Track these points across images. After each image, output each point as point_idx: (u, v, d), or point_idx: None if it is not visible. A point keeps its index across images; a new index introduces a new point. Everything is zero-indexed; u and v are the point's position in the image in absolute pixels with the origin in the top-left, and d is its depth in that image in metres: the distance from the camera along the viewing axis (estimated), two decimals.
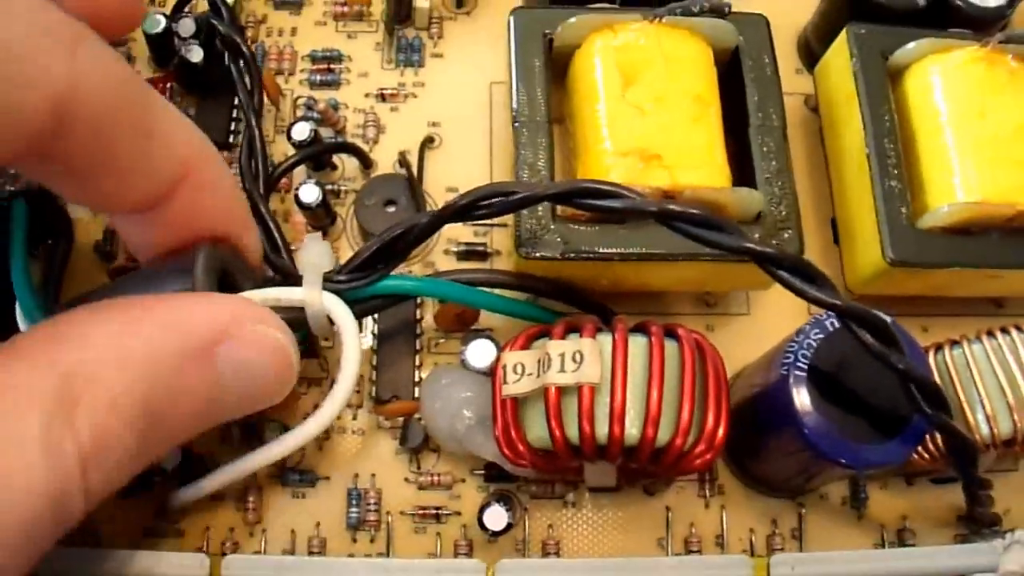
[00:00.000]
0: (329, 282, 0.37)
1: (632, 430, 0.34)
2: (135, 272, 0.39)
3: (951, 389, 0.38)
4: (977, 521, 0.40)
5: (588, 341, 0.35)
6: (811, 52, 0.48)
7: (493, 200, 0.36)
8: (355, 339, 0.36)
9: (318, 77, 0.47)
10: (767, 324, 0.44)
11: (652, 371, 0.35)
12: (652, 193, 0.38)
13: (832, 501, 0.42)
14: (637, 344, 0.35)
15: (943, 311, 0.45)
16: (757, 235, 0.39)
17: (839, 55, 0.43)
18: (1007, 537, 0.40)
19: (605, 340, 0.35)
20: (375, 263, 0.37)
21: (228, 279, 0.37)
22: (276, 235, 0.39)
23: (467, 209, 0.36)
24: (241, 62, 0.43)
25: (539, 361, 0.35)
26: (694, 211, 0.33)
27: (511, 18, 0.41)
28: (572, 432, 0.35)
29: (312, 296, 0.36)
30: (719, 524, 0.41)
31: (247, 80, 0.43)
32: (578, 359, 0.35)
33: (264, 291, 0.37)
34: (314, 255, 0.37)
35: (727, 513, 0.41)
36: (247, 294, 0.36)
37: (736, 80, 0.42)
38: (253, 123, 0.41)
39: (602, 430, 0.34)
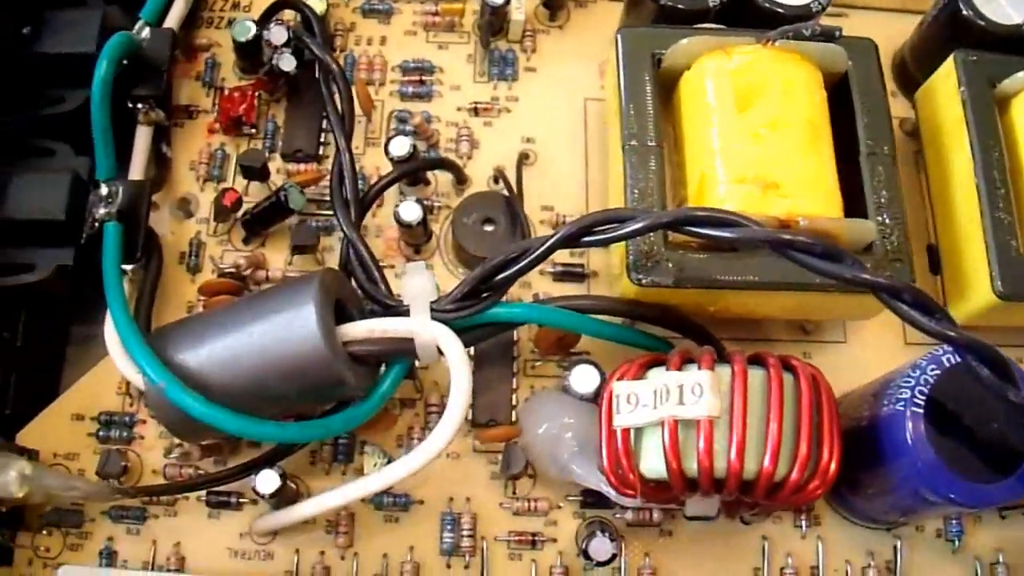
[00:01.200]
0: (436, 311, 0.36)
1: (752, 464, 0.34)
2: (250, 296, 0.38)
3: None
4: None
5: (707, 373, 0.34)
6: (908, 75, 0.47)
7: (607, 227, 0.35)
8: (465, 371, 0.36)
9: (409, 89, 0.46)
10: (864, 353, 0.43)
11: (771, 405, 0.34)
12: (767, 221, 0.37)
13: (927, 533, 0.42)
14: (755, 377, 0.35)
15: None
16: (868, 265, 0.38)
17: (945, 81, 0.43)
18: None
19: (724, 372, 0.35)
20: (482, 291, 0.36)
21: (341, 307, 0.36)
22: (371, 265, 0.38)
23: (580, 235, 0.35)
24: (332, 81, 0.42)
25: (655, 392, 0.35)
26: (813, 241, 0.33)
27: (618, 37, 0.41)
28: (690, 465, 0.34)
29: (421, 327, 0.36)
30: (815, 555, 0.41)
31: (337, 101, 0.41)
32: (698, 392, 0.34)
33: (373, 322, 0.36)
34: (419, 284, 0.36)
35: (823, 544, 0.41)
36: (358, 324, 0.36)
37: (844, 106, 0.41)
38: (343, 147, 0.40)
39: (721, 464, 0.34)
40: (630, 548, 0.40)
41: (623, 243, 0.37)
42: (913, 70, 0.47)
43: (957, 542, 0.41)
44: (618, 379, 0.36)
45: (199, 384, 0.35)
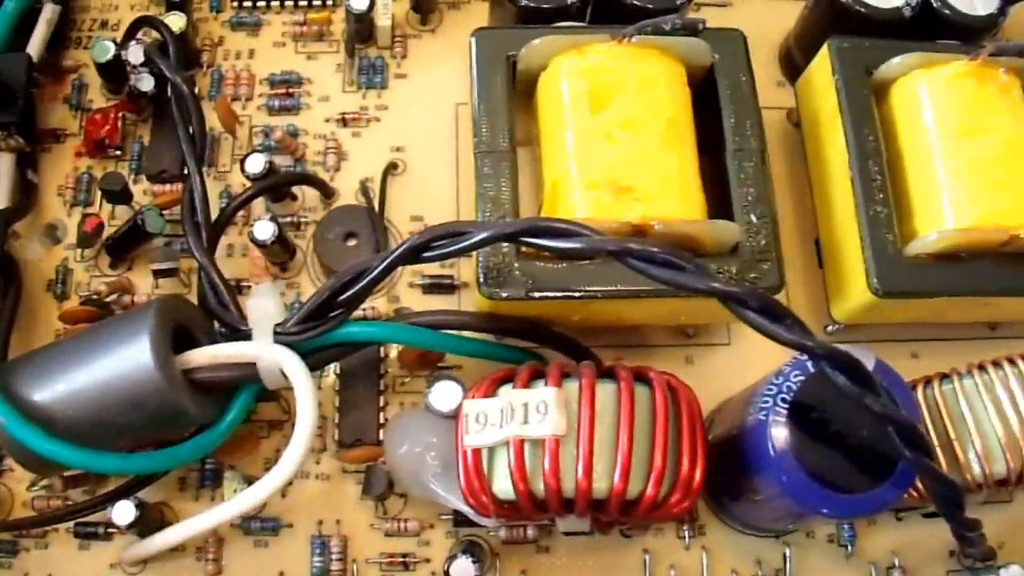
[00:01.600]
0: (280, 334, 0.35)
1: (600, 483, 0.33)
2: (93, 326, 0.38)
3: (941, 426, 0.36)
4: (970, 556, 0.38)
5: (553, 390, 0.33)
6: (793, 64, 0.46)
7: (445, 241, 0.34)
8: (309, 394, 0.35)
9: (277, 102, 0.45)
10: (749, 354, 0.42)
11: (621, 420, 0.33)
12: (620, 228, 0.36)
13: (818, 539, 0.40)
14: (605, 391, 0.34)
15: (934, 336, 0.43)
16: (734, 268, 0.37)
17: (821, 70, 0.41)
18: (1001, 573, 0.38)
19: (572, 388, 0.33)
20: (327, 310, 0.35)
21: (185, 333, 0.36)
22: (222, 288, 0.37)
23: (418, 251, 0.34)
24: (183, 102, 0.41)
25: (502, 411, 0.34)
26: (654, 249, 0.32)
27: (472, 40, 0.39)
28: (538, 487, 0.33)
29: (263, 351, 0.35)
30: (700, 566, 0.39)
31: (191, 126, 0.40)
32: (543, 409, 0.33)
33: (214, 348, 0.35)
34: (263, 306, 0.35)
35: (708, 554, 0.40)
36: (200, 350, 0.35)
37: (711, 101, 0.40)
38: (193, 170, 0.39)
39: (569, 484, 0.33)
40: (505, 567, 0.39)
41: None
42: (798, 59, 0.45)
43: (850, 547, 0.40)
44: (470, 397, 0.35)
45: (44, 418, 0.35)
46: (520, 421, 0.33)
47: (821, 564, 0.40)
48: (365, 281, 0.35)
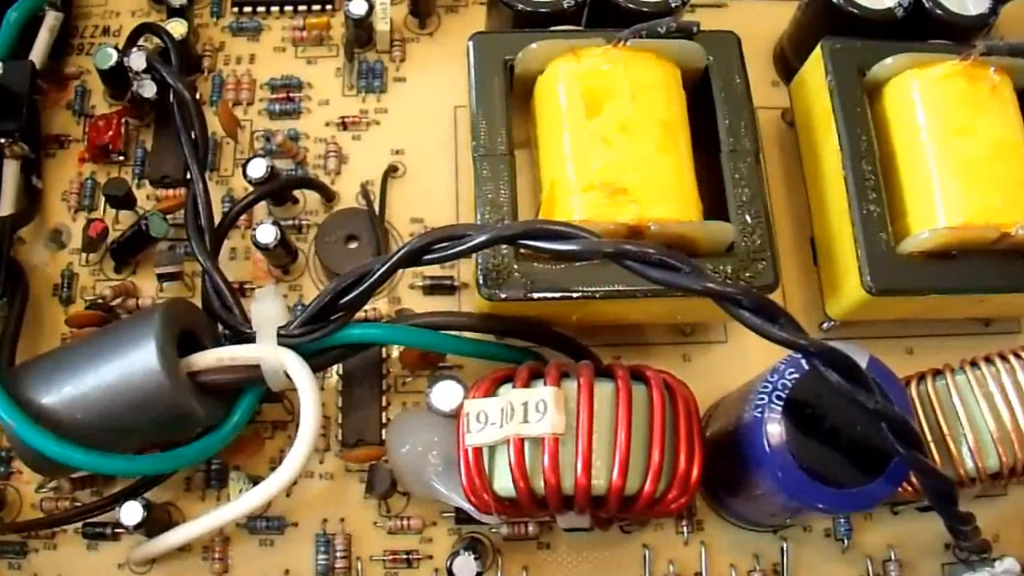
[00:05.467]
0: (284, 336, 0.36)
1: (599, 480, 0.33)
2: (99, 330, 0.38)
3: (934, 422, 0.37)
4: (965, 549, 0.39)
5: (552, 389, 0.34)
6: (787, 64, 0.46)
7: (446, 244, 0.35)
8: (313, 395, 0.35)
9: (277, 107, 0.45)
10: (746, 352, 0.43)
11: (619, 417, 0.34)
12: (616, 229, 0.36)
13: (815, 533, 0.41)
14: (603, 390, 0.34)
15: (928, 332, 0.43)
16: (729, 267, 0.38)
17: (814, 71, 0.42)
18: (996, 565, 0.39)
19: (570, 387, 0.34)
20: (330, 313, 0.36)
21: (190, 336, 0.36)
22: (226, 292, 0.37)
23: (419, 254, 0.35)
24: (184, 108, 0.41)
25: (502, 410, 0.34)
26: (649, 250, 0.32)
27: (470, 44, 0.40)
28: (538, 484, 0.34)
29: (267, 353, 0.35)
30: (699, 560, 0.40)
31: (193, 131, 0.41)
32: (542, 408, 0.33)
33: (219, 350, 0.36)
34: (267, 309, 0.36)
35: (707, 549, 0.40)
36: (205, 353, 0.36)
37: (707, 102, 0.40)
38: (196, 175, 0.40)
39: (568, 481, 0.33)
40: (507, 563, 0.40)
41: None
42: (792, 59, 0.46)
43: (847, 541, 0.41)
44: (470, 397, 0.36)
45: (53, 421, 0.35)
46: (520, 420, 0.34)
47: (818, 558, 0.40)
48: (367, 284, 0.35)
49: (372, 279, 0.35)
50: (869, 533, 0.41)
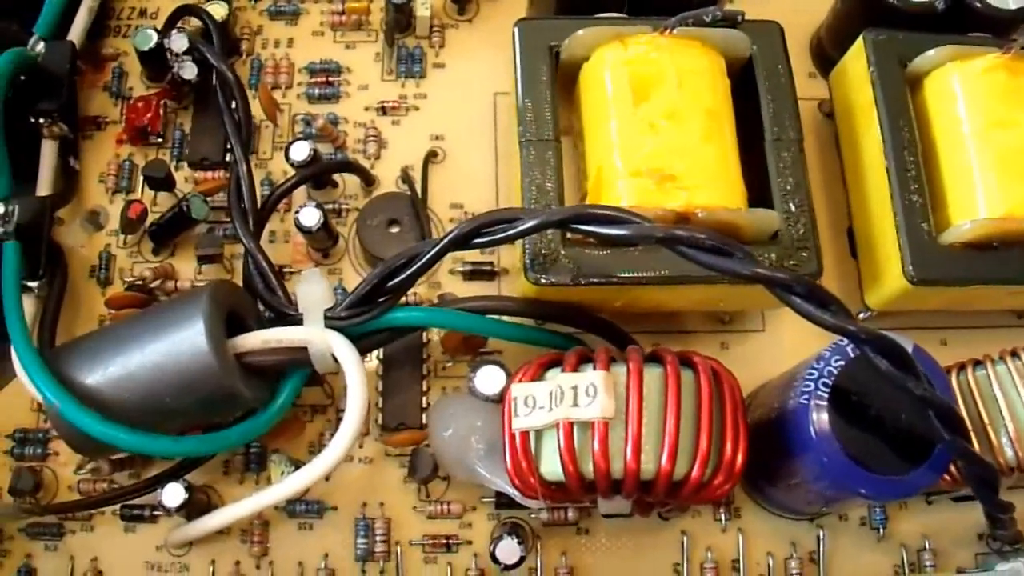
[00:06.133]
0: (331, 319, 0.36)
1: (649, 465, 0.33)
2: (144, 311, 0.38)
3: (974, 411, 0.37)
4: (999, 539, 0.39)
5: (602, 374, 0.34)
6: (825, 55, 0.46)
7: (495, 227, 0.35)
8: (360, 378, 0.35)
9: (316, 91, 0.45)
10: (783, 341, 0.43)
11: (668, 403, 0.34)
12: (664, 215, 0.37)
13: (851, 522, 0.41)
14: (652, 375, 0.34)
15: (962, 323, 0.43)
16: (774, 255, 0.38)
17: (856, 62, 0.42)
18: None
19: (619, 372, 0.34)
20: (376, 296, 0.36)
21: (236, 318, 0.36)
22: (270, 274, 0.37)
23: (469, 238, 0.35)
24: (228, 89, 0.41)
25: (551, 394, 0.34)
26: (702, 236, 0.32)
27: (516, 30, 0.40)
28: (587, 468, 0.34)
29: (314, 335, 0.35)
30: (736, 548, 0.40)
31: (236, 113, 0.41)
32: (592, 392, 0.34)
33: (266, 332, 0.36)
34: (313, 291, 0.36)
35: (744, 536, 0.40)
36: (251, 335, 0.36)
37: (750, 92, 0.40)
38: (240, 156, 0.40)
39: (617, 465, 0.33)
40: (547, 548, 0.40)
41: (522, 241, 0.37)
42: (829, 50, 0.46)
43: (882, 530, 0.41)
44: (517, 381, 0.36)
45: (97, 401, 0.35)
46: (570, 404, 0.34)
47: (853, 546, 0.41)
48: (416, 267, 0.35)
49: (421, 262, 0.35)
50: (904, 522, 0.41)
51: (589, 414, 0.33)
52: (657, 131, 0.38)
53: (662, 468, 0.33)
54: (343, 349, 0.36)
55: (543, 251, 0.37)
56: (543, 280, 0.37)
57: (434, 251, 0.35)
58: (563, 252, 0.37)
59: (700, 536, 0.40)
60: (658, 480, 0.34)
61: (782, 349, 0.42)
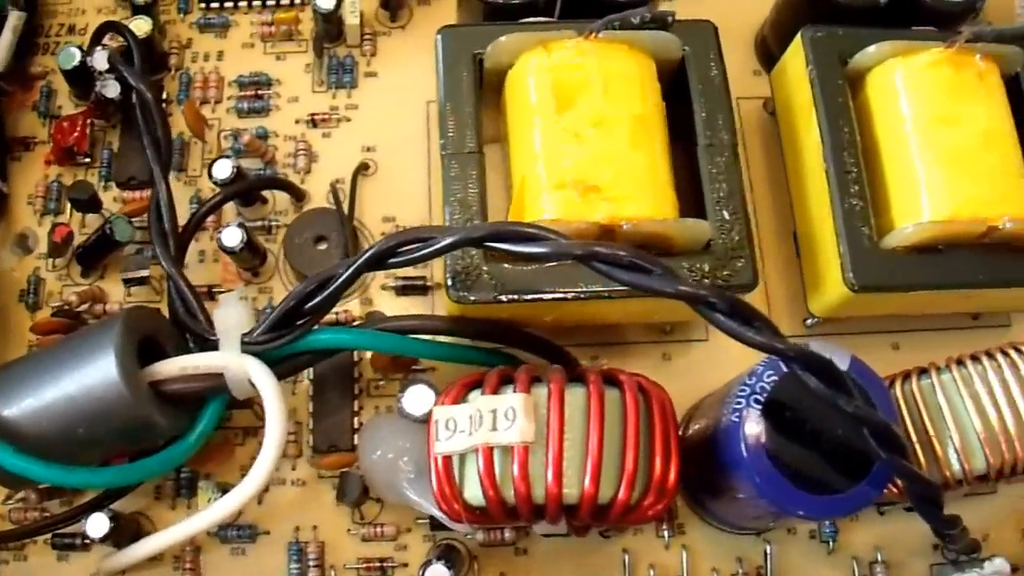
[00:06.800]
0: (247, 344, 0.35)
1: (571, 489, 0.32)
2: (61, 339, 0.38)
3: (920, 422, 0.35)
4: (953, 551, 0.38)
5: (521, 396, 0.33)
6: (769, 53, 0.45)
7: (410, 247, 0.34)
8: (277, 404, 0.35)
9: (245, 104, 0.44)
10: (728, 350, 0.41)
11: (591, 424, 0.33)
12: (588, 229, 0.35)
13: (800, 535, 0.40)
14: (575, 395, 0.33)
15: (915, 327, 0.42)
16: (707, 265, 0.36)
17: (794, 60, 0.40)
18: (985, 566, 0.38)
19: (541, 393, 0.33)
20: (294, 319, 0.35)
21: (154, 344, 0.35)
22: (190, 297, 0.37)
23: (383, 258, 0.34)
24: (147, 108, 0.40)
25: (471, 418, 0.33)
26: (620, 253, 0.31)
27: (438, 38, 0.39)
28: (508, 493, 0.33)
29: (230, 361, 0.34)
30: (680, 565, 0.39)
31: (155, 132, 0.40)
32: (511, 416, 0.33)
33: (183, 359, 0.35)
34: (230, 315, 0.35)
35: (688, 553, 0.39)
36: (168, 362, 0.35)
37: (685, 95, 0.39)
38: (159, 177, 0.39)
39: (539, 491, 0.32)
40: (484, 570, 0.39)
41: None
42: (773, 48, 0.44)
43: (832, 543, 0.40)
44: (439, 403, 0.35)
45: (13, 433, 0.34)
46: (489, 428, 0.33)
47: (803, 560, 0.40)
48: (331, 288, 0.35)
49: (336, 284, 0.34)
50: (855, 534, 0.40)
51: (508, 438, 0.32)
52: (582, 140, 0.36)
53: (585, 492, 0.32)
54: (259, 374, 0.35)
55: (465, 268, 0.36)
56: (465, 298, 0.35)
57: (347, 274, 0.34)
58: (485, 269, 0.36)
59: (643, 553, 0.39)
60: (582, 504, 0.33)
61: (727, 358, 0.41)
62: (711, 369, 0.41)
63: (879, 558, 0.39)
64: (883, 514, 0.40)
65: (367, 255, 0.34)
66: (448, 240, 0.33)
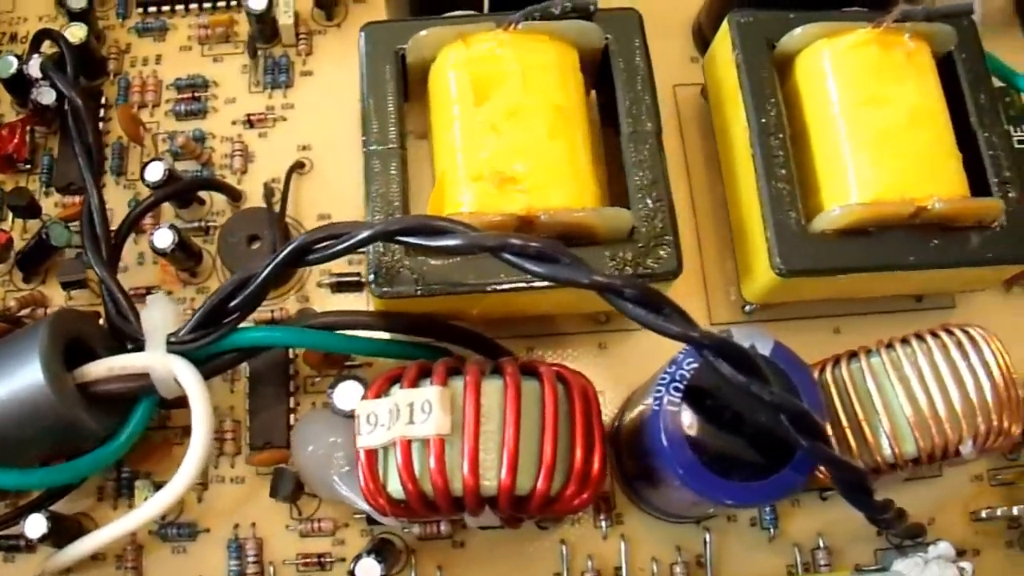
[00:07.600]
0: (173, 344, 0.35)
1: (488, 481, 0.32)
2: None
3: (850, 407, 0.35)
4: (896, 535, 0.38)
5: (437, 389, 0.33)
6: (704, 39, 0.44)
7: (325, 243, 0.34)
8: (203, 403, 0.35)
9: (183, 107, 0.44)
10: (663, 338, 0.41)
11: (507, 415, 0.33)
12: (505, 221, 0.35)
13: (740, 523, 0.40)
14: (492, 387, 0.33)
15: (857, 310, 0.42)
16: (630, 254, 0.36)
17: (723, 46, 0.40)
18: (929, 550, 0.38)
19: (458, 385, 0.33)
20: (220, 317, 0.35)
21: (83, 346, 0.36)
22: (122, 300, 0.37)
23: (300, 255, 0.34)
24: (78, 115, 0.40)
25: (390, 411, 0.33)
26: (529, 244, 0.31)
27: (361, 34, 0.39)
28: (427, 487, 0.33)
29: (155, 361, 0.35)
30: (618, 555, 0.39)
31: (86, 138, 0.40)
32: (427, 409, 0.33)
33: (111, 360, 0.35)
34: (156, 316, 0.35)
35: (627, 543, 0.39)
36: (96, 364, 0.35)
37: (609, 84, 0.39)
38: (90, 183, 0.39)
39: (456, 483, 0.32)
40: (421, 563, 0.39)
41: None
42: (708, 34, 0.44)
43: (773, 529, 0.39)
44: (363, 397, 0.35)
45: None
46: (405, 421, 0.33)
47: (743, 548, 0.39)
48: (253, 286, 0.35)
49: (256, 282, 0.35)
50: (797, 520, 0.40)
51: (424, 431, 0.32)
52: (499, 132, 0.36)
53: (502, 483, 0.32)
54: (185, 373, 0.35)
55: (387, 263, 0.36)
56: (387, 292, 0.36)
57: (267, 271, 0.34)
58: (406, 263, 0.36)
59: (580, 544, 0.39)
60: (500, 495, 0.33)
61: (662, 347, 0.39)
62: (648, 358, 0.41)
63: (821, 544, 0.39)
64: (825, 499, 0.40)
65: (285, 252, 0.34)
66: (362, 235, 0.33)
